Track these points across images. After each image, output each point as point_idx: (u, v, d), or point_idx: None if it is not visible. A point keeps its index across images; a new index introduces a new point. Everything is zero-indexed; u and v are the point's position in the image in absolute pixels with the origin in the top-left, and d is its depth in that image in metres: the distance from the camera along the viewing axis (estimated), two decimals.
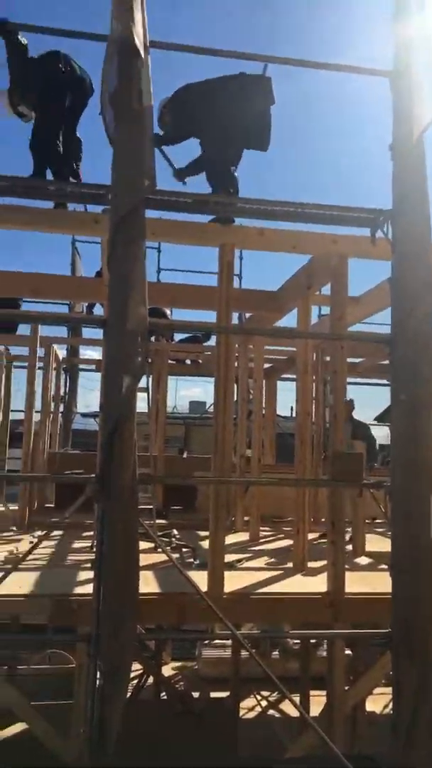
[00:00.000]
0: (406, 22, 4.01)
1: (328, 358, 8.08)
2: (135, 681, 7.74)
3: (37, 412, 8.63)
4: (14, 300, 8.24)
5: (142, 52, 3.86)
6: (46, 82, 5.22)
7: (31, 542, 6.30)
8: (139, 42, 3.82)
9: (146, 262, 3.96)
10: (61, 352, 11.04)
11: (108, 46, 4.01)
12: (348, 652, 5.75)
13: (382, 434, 11.09)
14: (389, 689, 7.36)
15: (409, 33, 3.88)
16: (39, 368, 8.49)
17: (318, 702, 6.41)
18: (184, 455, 12.41)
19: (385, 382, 11.70)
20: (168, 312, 9.82)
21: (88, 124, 5.23)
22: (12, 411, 11.09)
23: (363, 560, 6.16)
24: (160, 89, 4.71)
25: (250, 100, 5.05)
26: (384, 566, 5.67)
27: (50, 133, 5.19)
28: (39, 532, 7.08)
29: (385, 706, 7.74)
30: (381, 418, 12.41)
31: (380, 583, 4.86)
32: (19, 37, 5.12)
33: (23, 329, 8.80)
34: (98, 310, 9.80)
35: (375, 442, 6.46)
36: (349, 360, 6.58)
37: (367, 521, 6.87)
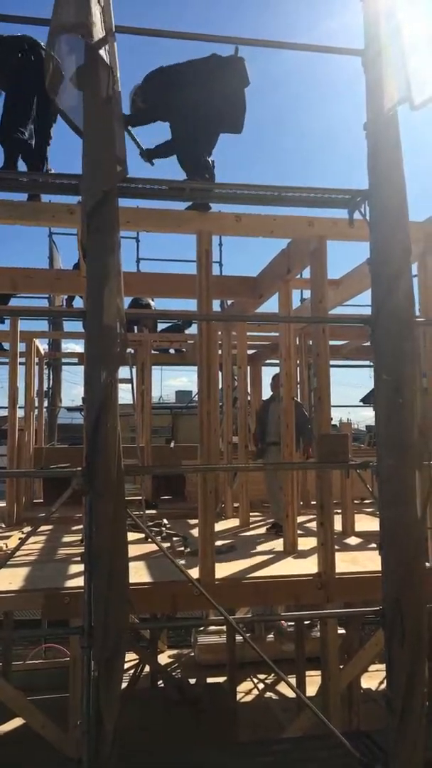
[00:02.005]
0: None
1: (311, 342, 8.10)
2: (131, 671, 7.79)
3: (20, 407, 8.56)
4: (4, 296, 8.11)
5: (104, 36, 3.78)
6: (11, 68, 5.11)
7: (20, 538, 6.29)
8: (102, 27, 3.75)
9: (125, 252, 3.93)
10: (42, 346, 10.95)
11: (54, 31, 3.90)
12: (341, 631, 5.82)
13: (369, 415, 11.15)
14: (384, 666, 7.51)
15: (379, 8, 3.84)
16: (21, 363, 8.41)
17: (314, 682, 6.49)
18: (172, 445, 12.40)
19: (369, 363, 11.77)
20: (152, 302, 9.76)
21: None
22: None
23: (353, 540, 6.22)
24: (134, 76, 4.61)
25: (223, 82, 4.97)
26: (373, 545, 5.73)
27: (16, 122, 5.08)
28: (28, 528, 7.06)
29: (380, 683, 7.87)
30: (366, 399, 12.51)
31: (370, 562, 4.91)
32: None
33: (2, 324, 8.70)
34: (78, 303, 9.71)
35: (306, 419, 6.56)
36: (332, 343, 6.60)
37: (355, 502, 6.92)
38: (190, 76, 4.96)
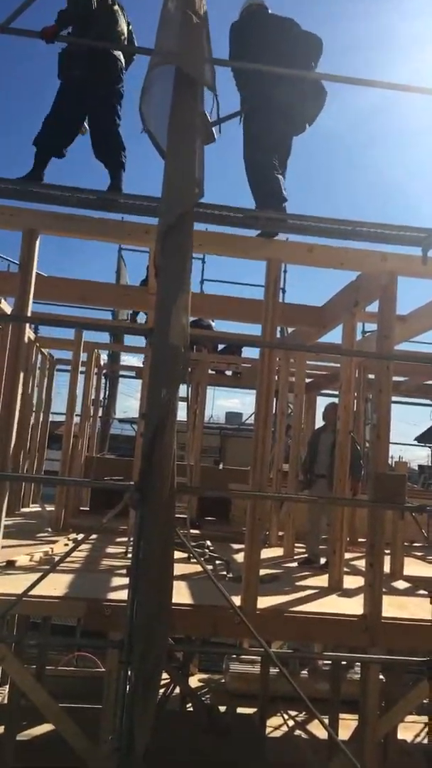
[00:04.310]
0: None
1: (371, 376, 7.98)
2: (162, 690, 7.73)
3: (77, 415, 8.75)
4: None
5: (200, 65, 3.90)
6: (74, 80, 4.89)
7: (66, 544, 6.38)
8: (200, 68, 3.87)
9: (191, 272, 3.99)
10: (102, 357, 11.21)
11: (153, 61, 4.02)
12: (381, 677, 5.62)
13: (423, 454, 10.86)
14: (421, 717, 7.19)
15: None
16: (81, 372, 8.62)
17: (346, 726, 6.28)
18: (220, 466, 12.40)
19: (427, 401, 11.50)
20: (212, 323, 9.86)
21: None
22: (52, 413, 11.31)
23: (401, 584, 6.02)
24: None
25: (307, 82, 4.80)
26: (423, 591, 5.53)
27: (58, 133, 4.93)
28: (73, 535, 7.16)
29: (416, 735, 7.54)
30: (423, 439, 12.18)
31: (419, 609, 4.75)
32: None
33: (67, 333, 8.95)
34: (141, 318, 9.91)
35: (359, 455, 6.41)
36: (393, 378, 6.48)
37: (405, 544, 6.72)
38: (285, 43, 4.78)
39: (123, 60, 5.08)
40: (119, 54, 5.02)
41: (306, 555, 6.75)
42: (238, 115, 4.92)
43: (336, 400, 6.61)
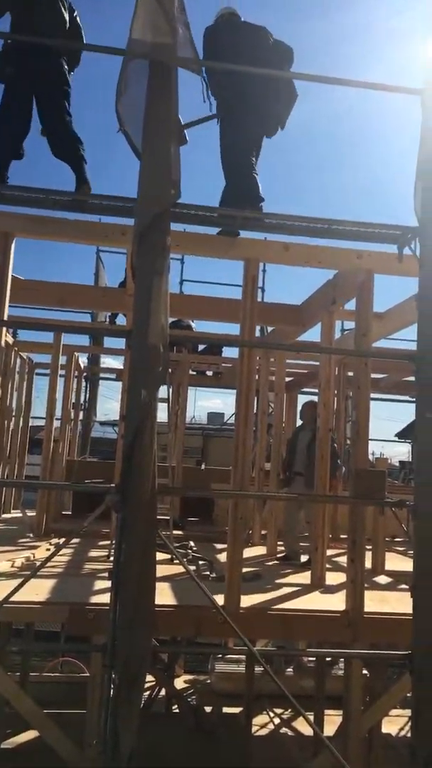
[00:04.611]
0: None
1: (350, 373, 8.05)
2: (147, 692, 7.70)
3: (57, 419, 8.69)
4: None
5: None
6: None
7: (48, 549, 6.34)
8: (171, 57, 3.87)
9: (170, 273, 3.98)
10: (82, 360, 11.14)
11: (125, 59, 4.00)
12: (364, 671, 5.66)
13: (404, 450, 10.97)
14: (405, 711, 7.25)
15: None
16: (60, 376, 8.56)
17: (332, 721, 6.32)
18: (202, 467, 12.40)
19: (407, 398, 11.62)
20: (192, 324, 9.86)
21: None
22: (32, 417, 11.23)
23: (382, 579, 6.08)
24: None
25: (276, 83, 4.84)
26: (404, 586, 5.59)
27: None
28: (56, 540, 7.11)
29: (401, 729, 7.61)
30: (403, 435, 12.31)
31: (400, 603, 4.79)
32: None
33: (46, 336, 8.89)
34: (121, 320, 9.87)
35: (335, 453, 6.50)
36: (371, 375, 6.54)
37: (386, 539, 6.78)
38: (257, 47, 4.82)
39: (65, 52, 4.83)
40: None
41: (285, 553, 6.78)
42: (214, 118, 4.92)
43: (316, 398, 6.64)
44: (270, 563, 6.68)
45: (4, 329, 5.34)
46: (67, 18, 4.89)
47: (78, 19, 5.02)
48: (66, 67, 4.89)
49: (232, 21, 5.05)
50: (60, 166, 4.91)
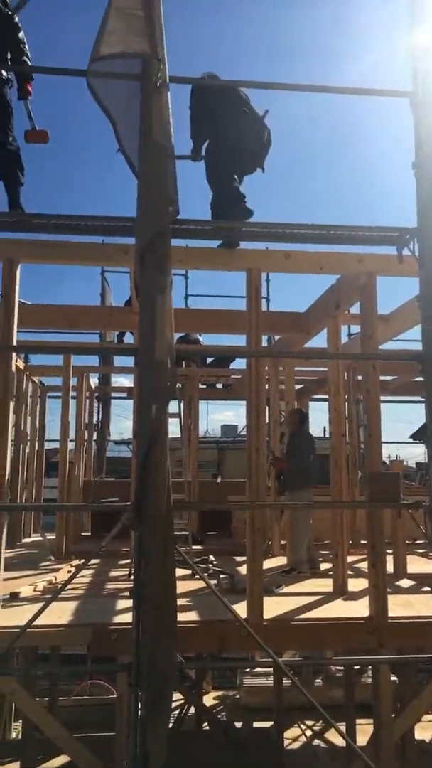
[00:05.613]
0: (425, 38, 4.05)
1: (359, 378, 8.02)
2: (176, 711, 7.65)
3: (71, 440, 8.73)
4: None
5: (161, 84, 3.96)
6: None
7: (69, 571, 6.34)
8: (161, 74, 3.93)
9: (174, 288, 4.02)
10: (93, 380, 11.20)
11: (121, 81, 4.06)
12: (393, 678, 5.59)
13: (419, 452, 10.88)
14: None
15: (428, 49, 3.90)
16: (72, 397, 8.61)
17: (364, 731, 6.23)
18: (218, 480, 12.37)
19: (419, 399, 11.54)
20: (200, 338, 9.89)
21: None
22: (47, 441, 11.28)
23: (405, 582, 6.01)
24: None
25: (255, 122, 5.08)
26: (427, 588, 5.53)
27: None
28: (76, 561, 7.11)
29: None
30: (417, 436, 12.20)
31: (424, 606, 4.74)
32: None
33: (56, 359, 8.95)
34: (129, 338, 9.93)
35: (308, 462, 6.55)
36: (381, 378, 6.52)
37: (406, 542, 6.72)
38: (235, 101, 5.03)
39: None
40: None
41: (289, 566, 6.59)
42: (200, 157, 5.11)
43: (317, 404, 6.65)
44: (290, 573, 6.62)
45: (15, 354, 5.39)
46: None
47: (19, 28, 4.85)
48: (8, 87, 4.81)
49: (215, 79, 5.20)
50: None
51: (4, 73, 4.77)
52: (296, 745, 7.79)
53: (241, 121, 5.03)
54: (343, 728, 6.08)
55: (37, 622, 3.74)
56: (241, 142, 5.01)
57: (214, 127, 5.07)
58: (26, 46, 4.85)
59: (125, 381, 21.06)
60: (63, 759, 6.14)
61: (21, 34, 4.84)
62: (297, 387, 9.30)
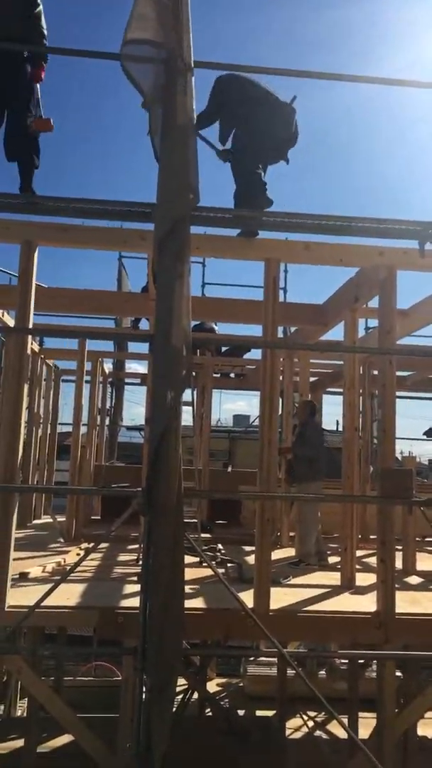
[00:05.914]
0: None
1: (375, 372, 7.97)
2: (180, 696, 7.72)
3: (84, 424, 8.77)
4: None
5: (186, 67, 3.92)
6: None
7: (78, 554, 6.39)
8: (185, 60, 3.89)
9: (191, 276, 3.99)
10: (107, 365, 11.23)
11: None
12: (398, 673, 5.59)
13: None
14: None
15: None
16: (86, 382, 8.64)
17: (366, 725, 6.24)
18: (229, 469, 12.39)
19: None
20: (215, 327, 9.86)
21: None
22: (60, 424, 11.35)
23: (413, 579, 5.99)
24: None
25: (283, 115, 4.99)
26: None
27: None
28: (85, 544, 7.17)
29: None
30: (430, 433, 12.15)
31: None
32: None
33: (71, 343, 8.97)
34: (144, 325, 9.94)
35: (317, 452, 6.63)
36: (397, 373, 6.47)
37: (417, 539, 6.69)
38: (261, 94, 4.97)
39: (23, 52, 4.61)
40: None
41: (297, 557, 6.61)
42: (229, 153, 4.99)
43: (331, 397, 6.62)
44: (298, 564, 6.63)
45: (30, 337, 5.40)
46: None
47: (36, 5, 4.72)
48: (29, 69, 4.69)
49: (243, 76, 5.11)
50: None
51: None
52: (298, 735, 7.83)
53: (269, 106, 4.90)
54: (345, 721, 6.10)
55: (45, 603, 3.78)
56: (271, 126, 4.89)
57: (241, 113, 4.96)
58: (43, 23, 4.67)
59: (139, 367, 21.11)
60: (66, 738, 6.23)
61: (39, 9, 4.66)
62: (312, 379, 9.26)
